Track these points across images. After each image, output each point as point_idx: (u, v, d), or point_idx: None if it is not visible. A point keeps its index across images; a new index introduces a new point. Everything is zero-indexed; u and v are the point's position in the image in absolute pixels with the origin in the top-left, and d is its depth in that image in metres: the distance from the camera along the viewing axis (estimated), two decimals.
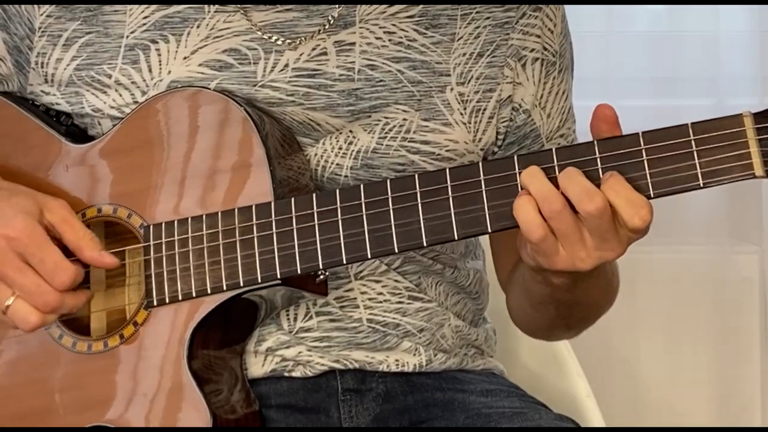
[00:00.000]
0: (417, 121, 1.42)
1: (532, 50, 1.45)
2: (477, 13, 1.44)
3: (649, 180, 1.24)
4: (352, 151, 1.41)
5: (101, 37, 1.42)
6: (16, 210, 1.32)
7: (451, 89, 1.43)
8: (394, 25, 1.42)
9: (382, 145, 1.41)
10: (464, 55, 1.43)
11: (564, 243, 1.25)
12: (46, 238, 1.32)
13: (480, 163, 1.28)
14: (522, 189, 1.26)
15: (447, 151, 1.42)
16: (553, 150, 1.26)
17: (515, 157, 1.27)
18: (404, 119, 1.41)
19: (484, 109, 1.44)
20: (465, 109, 1.43)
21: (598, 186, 1.24)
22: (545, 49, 1.47)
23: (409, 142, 1.41)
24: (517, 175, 1.27)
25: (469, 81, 1.43)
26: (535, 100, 1.47)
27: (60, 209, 1.34)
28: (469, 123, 1.43)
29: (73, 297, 1.33)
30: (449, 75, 1.43)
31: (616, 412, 2.37)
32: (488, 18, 1.44)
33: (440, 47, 1.43)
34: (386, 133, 1.41)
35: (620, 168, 1.24)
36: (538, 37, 1.46)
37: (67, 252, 1.34)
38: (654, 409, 2.64)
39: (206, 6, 1.41)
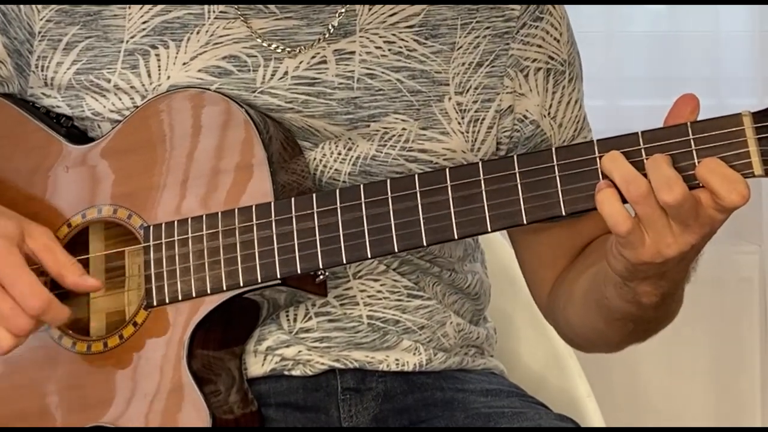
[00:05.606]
0: (415, 131, 1.41)
1: (534, 60, 1.45)
2: (477, 22, 1.44)
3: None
4: (351, 157, 1.41)
5: (101, 42, 1.42)
6: None
7: (450, 99, 1.42)
8: (394, 35, 1.42)
9: (381, 153, 1.41)
10: (463, 64, 1.43)
11: (649, 230, 1.22)
12: (22, 262, 1.30)
13: (480, 163, 1.28)
14: (603, 178, 1.24)
15: (444, 159, 1.42)
16: (553, 150, 1.26)
17: (515, 157, 1.27)
18: (403, 129, 1.41)
19: (483, 119, 1.44)
20: (463, 118, 1.43)
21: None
22: (552, 58, 1.46)
23: (407, 151, 1.41)
24: (517, 175, 1.27)
25: (468, 91, 1.43)
26: (542, 110, 1.46)
27: (41, 236, 1.33)
28: (467, 132, 1.43)
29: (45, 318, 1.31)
30: (448, 84, 1.43)
31: (616, 412, 2.37)
32: (488, 28, 1.44)
33: (440, 56, 1.43)
34: (385, 141, 1.41)
35: None
36: (540, 47, 1.45)
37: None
38: (654, 409, 2.64)
39: (206, 12, 1.41)
